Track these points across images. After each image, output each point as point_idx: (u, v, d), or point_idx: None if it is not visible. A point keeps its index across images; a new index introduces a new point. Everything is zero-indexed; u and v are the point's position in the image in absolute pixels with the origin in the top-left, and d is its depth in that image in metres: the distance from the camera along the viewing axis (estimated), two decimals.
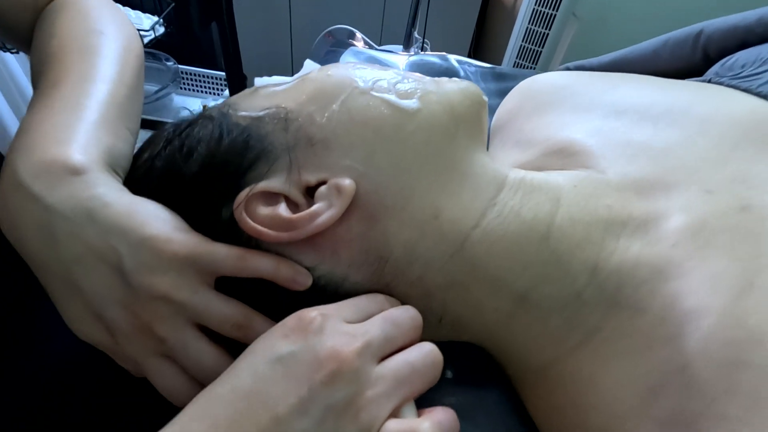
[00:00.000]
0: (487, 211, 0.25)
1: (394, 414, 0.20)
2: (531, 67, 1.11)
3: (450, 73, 0.59)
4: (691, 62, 0.41)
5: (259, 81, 0.29)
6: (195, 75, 1.36)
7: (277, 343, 0.20)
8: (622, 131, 0.30)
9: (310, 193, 0.24)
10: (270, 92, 0.27)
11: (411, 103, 0.26)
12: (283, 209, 0.23)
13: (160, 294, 0.21)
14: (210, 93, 1.39)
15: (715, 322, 0.20)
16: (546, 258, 0.25)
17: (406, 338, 0.22)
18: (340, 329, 0.20)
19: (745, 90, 0.30)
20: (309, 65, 0.29)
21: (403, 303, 0.25)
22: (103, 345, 0.23)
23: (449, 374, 0.31)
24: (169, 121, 0.33)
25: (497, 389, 0.29)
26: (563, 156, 0.31)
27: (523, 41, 1.10)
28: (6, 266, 0.27)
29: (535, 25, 1.07)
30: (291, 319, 0.21)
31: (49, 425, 0.29)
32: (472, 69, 0.60)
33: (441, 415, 0.20)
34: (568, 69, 0.60)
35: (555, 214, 0.25)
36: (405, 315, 0.23)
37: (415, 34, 1.11)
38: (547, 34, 1.06)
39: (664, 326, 0.22)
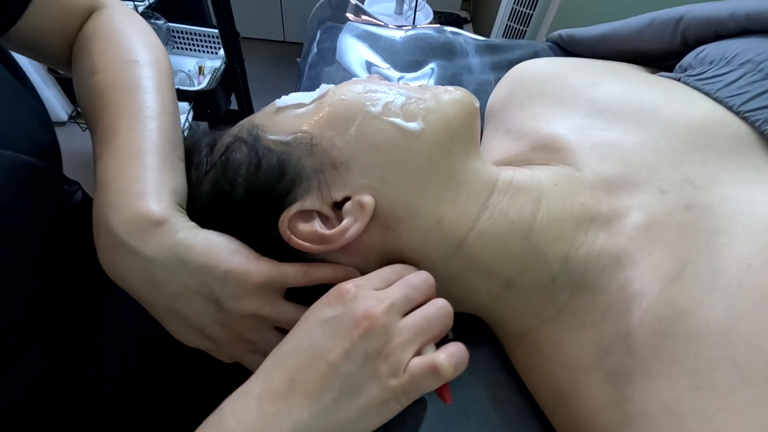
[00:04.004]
0: (481, 215, 0.30)
1: (418, 354, 0.25)
2: (523, 30, 1.10)
3: (447, 46, 0.61)
4: (671, 45, 0.44)
5: (279, 102, 0.34)
6: (188, 33, 1.31)
7: (323, 309, 0.25)
8: (598, 130, 0.34)
9: (336, 205, 0.30)
10: (292, 115, 0.31)
11: (415, 125, 0.30)
12: (318, 226, 0.28)
13: (249, 313, 0.27)
14: (205, 51, 1.34)
15: (652, 301, 0.27)
16: (528, 251, 0.30)
17: (423, 296, 0.27)
18: (369, 295, 0.25)
19: (706, 93, 0.34)
20: (324, 87, 0.33)
21: None
22: (208, 349, 0.30)
23: (451, 336, 0.38)
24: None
25: (489, 348, 0.36)
26: (548, 151, 0.35)
27: (514, 4, 1.08)
28: (88, 269, 0.33)
29: None
30: (333, 291, 0.26)
31: (123, 395, 0.37)
32: (469, 41, 0.62)
33: (453, 348, 0.25)
34: (561, 36, 0.62)
35: (536, 213, 0.31)
36: (419, 279, 0.27)
37: None
38: None
39: (616, 304, 0.28)
